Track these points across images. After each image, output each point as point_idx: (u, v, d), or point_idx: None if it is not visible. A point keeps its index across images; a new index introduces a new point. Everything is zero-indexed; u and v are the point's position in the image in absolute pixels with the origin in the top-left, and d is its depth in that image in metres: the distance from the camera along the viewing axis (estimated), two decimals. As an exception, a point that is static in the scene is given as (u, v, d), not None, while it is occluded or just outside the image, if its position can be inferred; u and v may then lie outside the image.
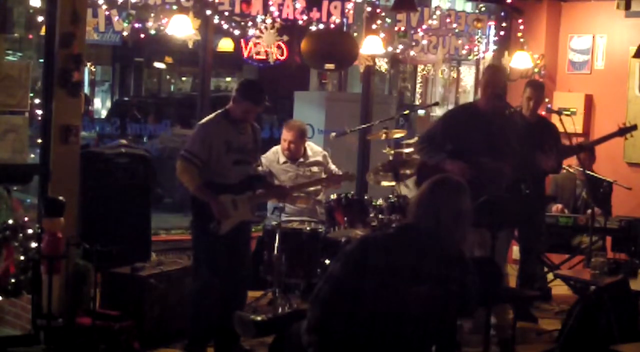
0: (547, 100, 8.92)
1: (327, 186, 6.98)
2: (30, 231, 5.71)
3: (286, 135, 7.25)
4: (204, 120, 5.71)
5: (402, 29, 8.28)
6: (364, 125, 7.87)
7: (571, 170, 7.82)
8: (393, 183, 7.03)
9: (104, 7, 6.71)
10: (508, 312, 5.81)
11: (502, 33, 9.10)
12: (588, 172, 7.48)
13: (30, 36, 6.62)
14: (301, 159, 7.26)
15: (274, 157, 7.27)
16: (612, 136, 7.18)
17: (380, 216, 6.65)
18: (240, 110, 5.59)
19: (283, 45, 8.77)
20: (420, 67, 18.35)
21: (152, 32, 6.94)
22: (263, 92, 5.66)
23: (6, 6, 6.06)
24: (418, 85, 19.51)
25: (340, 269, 3.63)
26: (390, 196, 6.85)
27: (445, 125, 6.23)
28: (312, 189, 7.04)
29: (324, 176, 7.19)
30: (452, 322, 3.77)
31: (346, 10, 7.83)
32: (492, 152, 5.98)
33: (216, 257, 5.54)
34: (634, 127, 7.02)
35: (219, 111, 5.69)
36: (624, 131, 7.11)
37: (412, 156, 7.14)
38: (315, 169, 7.26)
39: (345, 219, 6.73)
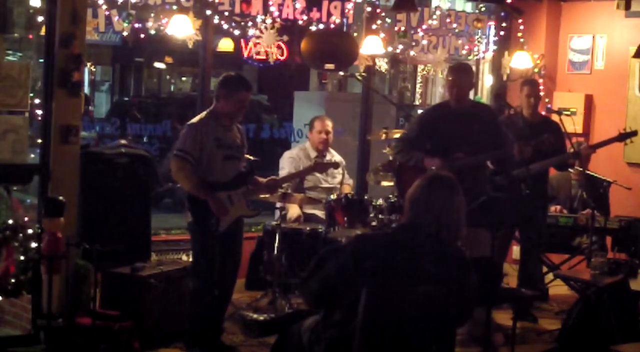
0: (547, 100, 8.93)
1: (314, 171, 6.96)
2: (30, 231, 5.70)
3: (322, 126, 7.39)
4: (193, 120, 5.75)
5: (402, 29, 8.27)
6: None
7: (571, 170, 7.81)
8: (393, 183, 7.02)
9: (104, 7, 6.71)
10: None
11: (502, 33, 9.09)
12: (588, 172, 7.48)
13: (30, 36, 6.61)
14: (327, 156, 7.31)
15: (302, 154, 7.29)
16: (612, 141, 7.17)
17: (380, 216, 6.65)
18: (235, 103, 5.65)
19: (283, 45, 8.76)
20: (420, 67, 18.32)
21: (152, 32, 6.94)
22: (246, 79, 5.82)
23: (6, 6, 6.05)
24: (418, 85, 19.50)
25: (334, 265, 3.63)
26: (390, 195, 6.84)
27: (421, 125, 6.39)
28: (326, 185, 7.13)
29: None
30: (452, 322, 3.77)
31: (346, 10, 7.82)
32: (466, 146, 6.14)
33: (215, 256, 5.59)
34: (634, 133, 7.00)
35: (206, 111, 5.76)
36: (624, 137, 7.09)
37: (389, 159, 7.15)
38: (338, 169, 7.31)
39: (345, 219, 6.73)
